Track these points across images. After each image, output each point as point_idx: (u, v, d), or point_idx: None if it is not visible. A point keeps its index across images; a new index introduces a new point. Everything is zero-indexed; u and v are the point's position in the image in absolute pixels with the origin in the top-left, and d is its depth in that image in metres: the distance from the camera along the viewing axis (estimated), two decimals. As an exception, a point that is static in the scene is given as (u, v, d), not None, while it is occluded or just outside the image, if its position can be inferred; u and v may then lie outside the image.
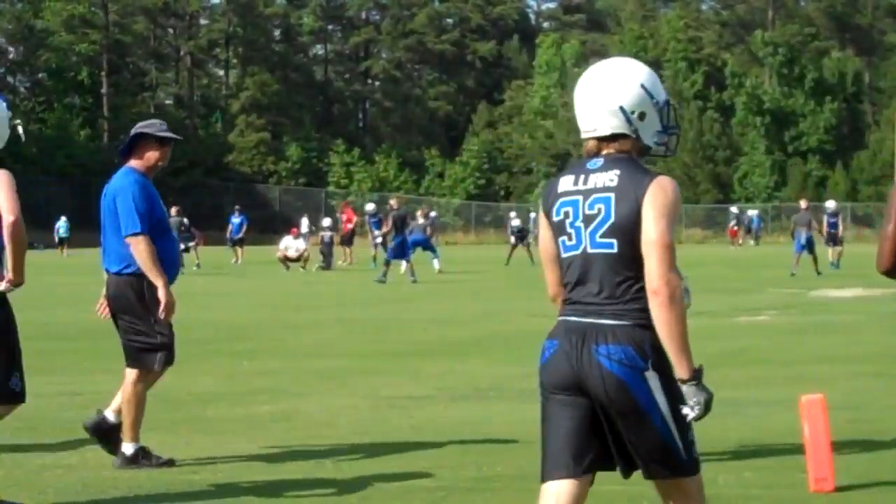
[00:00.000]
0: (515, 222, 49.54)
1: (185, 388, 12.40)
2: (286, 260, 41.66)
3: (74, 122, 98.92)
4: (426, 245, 37.66)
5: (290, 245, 42.38)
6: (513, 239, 47.65)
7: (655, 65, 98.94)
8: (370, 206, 47.07)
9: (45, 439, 9.34)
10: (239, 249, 46.81)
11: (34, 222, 77.17)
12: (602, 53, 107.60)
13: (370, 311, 22.97)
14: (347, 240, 45.88)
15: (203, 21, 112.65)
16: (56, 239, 59.94)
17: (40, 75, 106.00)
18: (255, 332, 18.99)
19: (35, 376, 13.23)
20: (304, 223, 55.01)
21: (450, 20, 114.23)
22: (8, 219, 6.80)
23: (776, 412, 10.40)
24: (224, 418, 10.48)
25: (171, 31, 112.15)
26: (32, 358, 14.85)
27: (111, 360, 14.83)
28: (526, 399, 11.51)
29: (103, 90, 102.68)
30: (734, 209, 76.50)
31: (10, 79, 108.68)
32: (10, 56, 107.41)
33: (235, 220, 47.65)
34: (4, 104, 7.29)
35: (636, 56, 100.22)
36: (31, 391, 11.97)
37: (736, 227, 74.02)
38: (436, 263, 37.41)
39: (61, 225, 59.47)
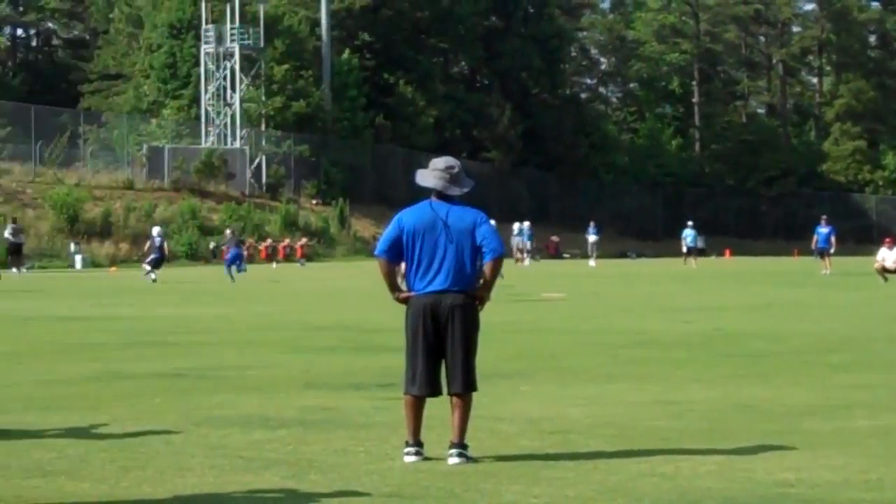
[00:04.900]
0: None
1: (779, 399, 12.18)
2: (884, 271, 40.27)
3: (666, 132, 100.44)
4: None
5: (888, 256, 40.90)
6: None
7: None
8: None
9: (639, 446, 9.37)
10: (827, 260, 45.77)
11: (637, 232, 78.56)
12: None
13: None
14: None
15: (795, 28, 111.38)
16: (684, 248, 60.09)
17: (631, 85, 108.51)
18: (851, 344, 18.44)
19: (629, 383, 13.44)
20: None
21: None
22: None
23: None
24: (818, 432, 10.16)
25: (762, 38, 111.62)
26: (627, 365, 15.12)
27: (705, 369, 14.82)
28: None
29: (694, 99, 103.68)
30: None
31: (601, 89, 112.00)
32: (603, 67, 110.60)
33: (822, 230, 46.76)
34: None
35: None
36: (624, 399, 12.16)
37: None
38: None
39: (688, 234, 59.72)
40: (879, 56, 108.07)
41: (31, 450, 9.26)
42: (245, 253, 44.90)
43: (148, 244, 43.12)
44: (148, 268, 41.85)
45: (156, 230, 42.92)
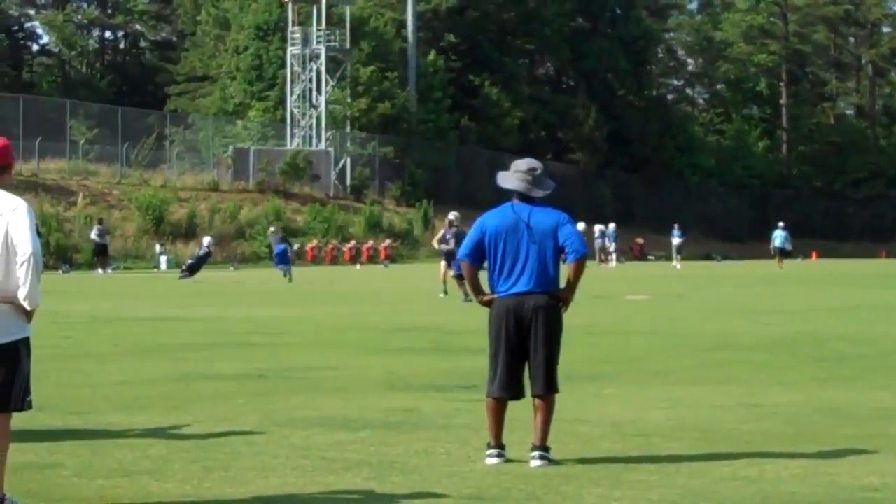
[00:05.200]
0: None
1: (864, 403, 12.01)
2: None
3: (752, 134, 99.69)
4: None
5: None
6: None
7: None
8: None
9: (722, 450, 9.29)
10: None
11: (723, 234, 78.16)
12: None
13: None
14: None
15: (885, 28, 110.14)
16: (772, 250, 59.60)
17: (718, 86, 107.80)
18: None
19: (712, 386, 13.33)
20: None
21: None
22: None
23: None
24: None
25: (851, 39, 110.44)
26: (710, 368, 15.00)
27: (789, 372, 14.66)
28: None
29: (782, 101, 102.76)
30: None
31: (688, 90, 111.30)
32: (689, 68, 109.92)
33: None
34: None
35: None
36: (708, 402, 12.05)
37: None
38: None
39: (777, 235, 59.19)
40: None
41: (114, 450, 9.34)
42: (291, 252, 45.25)
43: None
44: (185, 265, 42.53)
45: (206, 240, 43.42)
